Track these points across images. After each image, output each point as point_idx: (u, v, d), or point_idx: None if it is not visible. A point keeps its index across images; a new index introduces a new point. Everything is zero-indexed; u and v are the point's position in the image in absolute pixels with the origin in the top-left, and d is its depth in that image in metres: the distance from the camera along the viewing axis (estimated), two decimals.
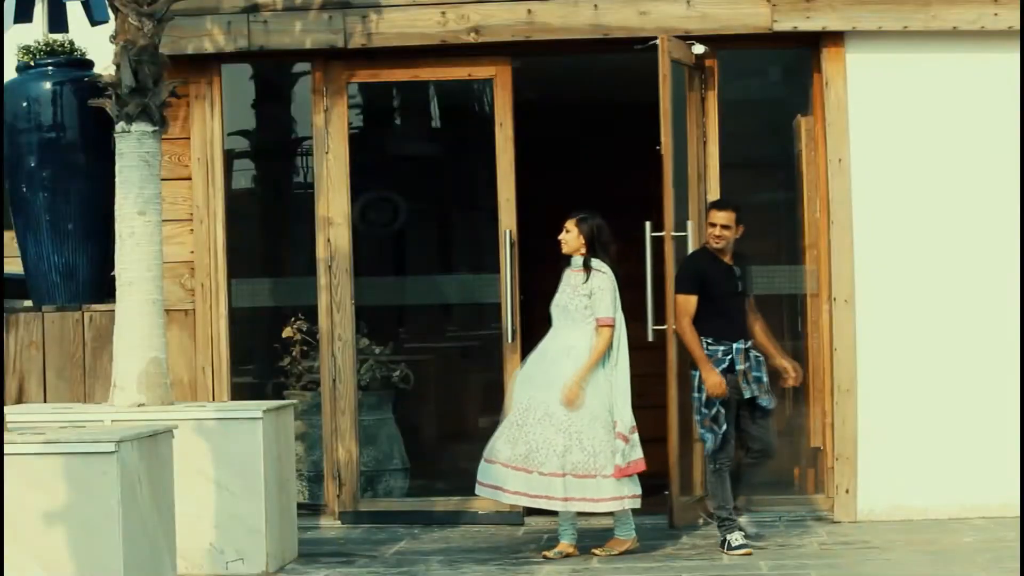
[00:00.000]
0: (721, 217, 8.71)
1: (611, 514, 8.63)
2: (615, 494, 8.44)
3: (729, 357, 8.66)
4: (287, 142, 11.56)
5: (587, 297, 8.59)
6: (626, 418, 8.51)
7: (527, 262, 9.76)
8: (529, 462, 8.47)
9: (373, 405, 10.33)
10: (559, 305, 8.66)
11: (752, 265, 8.97)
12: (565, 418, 8.46)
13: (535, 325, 9.09)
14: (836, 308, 9.54)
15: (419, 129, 12.20)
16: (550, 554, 8.54)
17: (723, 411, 8.61)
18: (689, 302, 8.71)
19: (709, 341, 8.66)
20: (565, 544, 8.58)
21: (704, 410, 8.66)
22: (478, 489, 8.70)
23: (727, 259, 8.77)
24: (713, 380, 8.59)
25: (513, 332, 9.72)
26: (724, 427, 8.60)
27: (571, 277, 8.66)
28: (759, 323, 8.94)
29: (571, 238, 8.67)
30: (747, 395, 8.64)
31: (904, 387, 9.50)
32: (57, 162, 9.88)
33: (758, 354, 8.79)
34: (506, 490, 8.58)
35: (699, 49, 9.58)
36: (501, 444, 8.58)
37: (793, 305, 10.21)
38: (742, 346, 8.70)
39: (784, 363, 8.94)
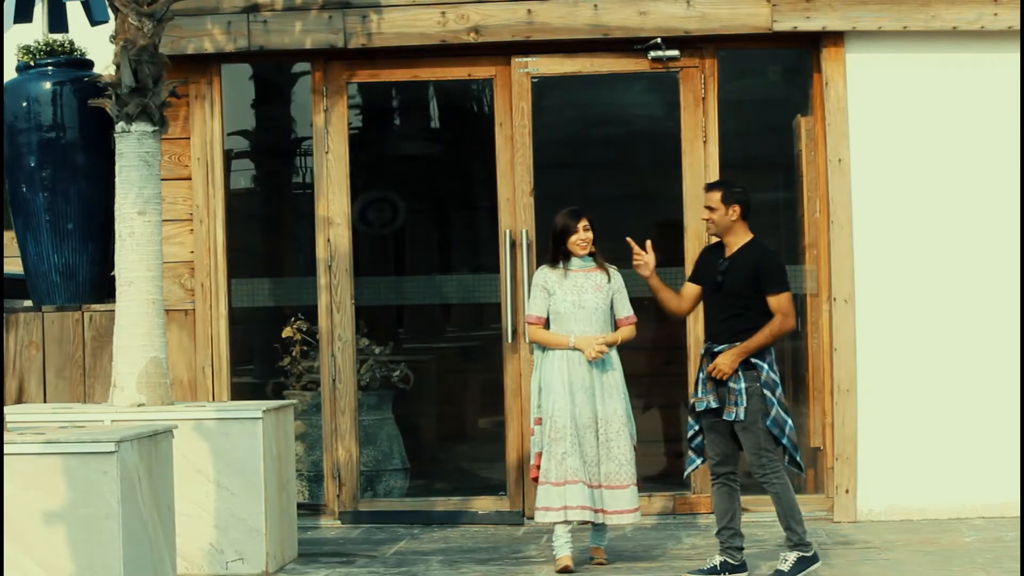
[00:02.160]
0: (706, 199, 8.10)
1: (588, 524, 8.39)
2: (635, 505, 8.32)
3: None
4: (287, 142, 11.56)
5: (611, 296, 8.38)
6: (635, 431, 8.43)
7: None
8: (591, 476, 8.22)
9: (373, 405, 10.34)
10: (586, 307, 8.35)
11: (770, 263, 7.91)
12: (600, 428, 8.27)
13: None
14: (836, 308, 9.54)
15: (419, 129, 12.20)
16: (572, 565, 8.20)
17: (691, 418, 8.06)
18: (684, 288, 8.19)
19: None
20: (569, 556, 8.24)
21: (689, 415, 8.12)
22: (544, 515, 8.24)
23: (728, 249, 8.00)
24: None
25: (513, 332, 9.72)
26: (690, 433, 8.04)
27: (588, 277, 8.35)
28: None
29: (590, 236, 8.41)
30: (700, 407, 7.91)
31: (904, 387, 9.51)
32: (57, 162, 9.89)
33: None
34: (572, 507, 8.19)
35: (656, 53, 9.60)
36: (573, 462, 8.17)
37: (793, 305, 10.21)
38: (702, 349, 8.08)
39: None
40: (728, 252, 7.96)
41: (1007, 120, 9.46)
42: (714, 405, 7.86)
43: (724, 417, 7.82)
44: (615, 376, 8.35)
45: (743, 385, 7.80)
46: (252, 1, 9.72)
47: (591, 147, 11.69)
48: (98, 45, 10.13)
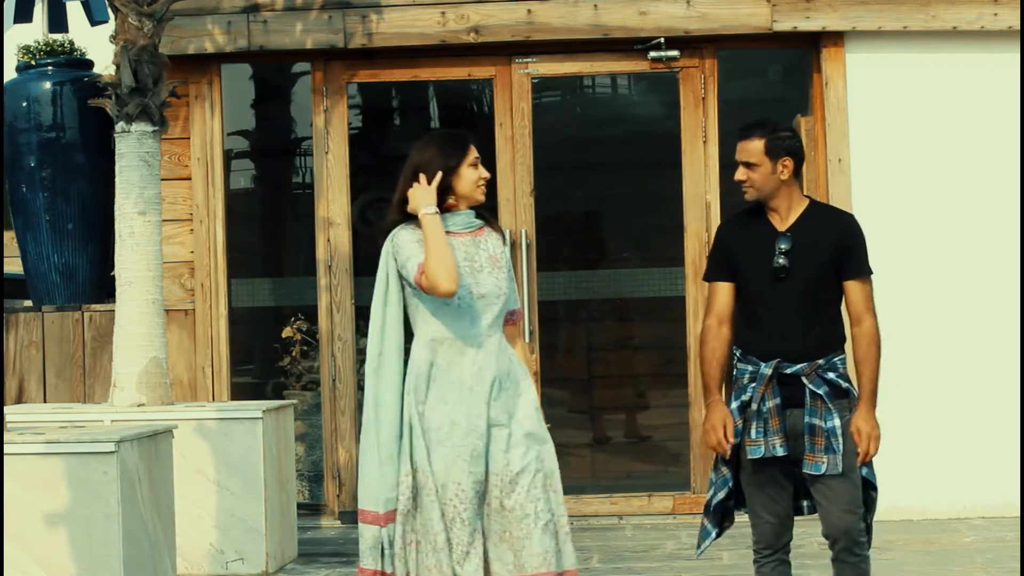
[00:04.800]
0: (740, 151, 5.64)
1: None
2: None
3: (755, 386, 5.58)
4: (287, 142, 11.56)
5: (509, 273, 5.55)
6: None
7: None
8: (523, 566, 5.40)
9: None
10: (487, 296, 5.43)
11: (859, 233, 5.65)
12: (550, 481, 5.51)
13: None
14: None
15: (419, 129, 12.20)
16: None
17: (725, 469, 5.70)
18: (712, 292, 5.70)
19: (738, 355, 5.69)
20: None
21: (720, 465, 5.72)
22: None
23: (781, 220, 5.63)
24: (709, 422, 5.62)
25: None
26: (721, 494, 5.72)
27: (478, 245, 5.52)
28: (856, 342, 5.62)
29: (487, 175, 5.60)
30: (756, 453, 5.53)
31: (904, 387, 9.50)
32: (57, 162, 9.89)
33: (820, 383, 5.57)
34: None
35: (656, 53, 9.59)
36: (473, 554, 5.33)
37: None
38: (767, 371, 5.53)
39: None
40: (783, 224, 5.61)
41: (1007, 120, 9.46)
42: (780, 452, 5.52)
43: (808, 470, 5.53)
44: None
45: (836, 422, 5.51)
46: (252, 1, 9.72)
47: (591, 147, 11.70)
48: (98, 45, 10.13)
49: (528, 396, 5.44)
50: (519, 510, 5.32)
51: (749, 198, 5.63)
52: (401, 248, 5.41)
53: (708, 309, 5.69)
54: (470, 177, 5.46)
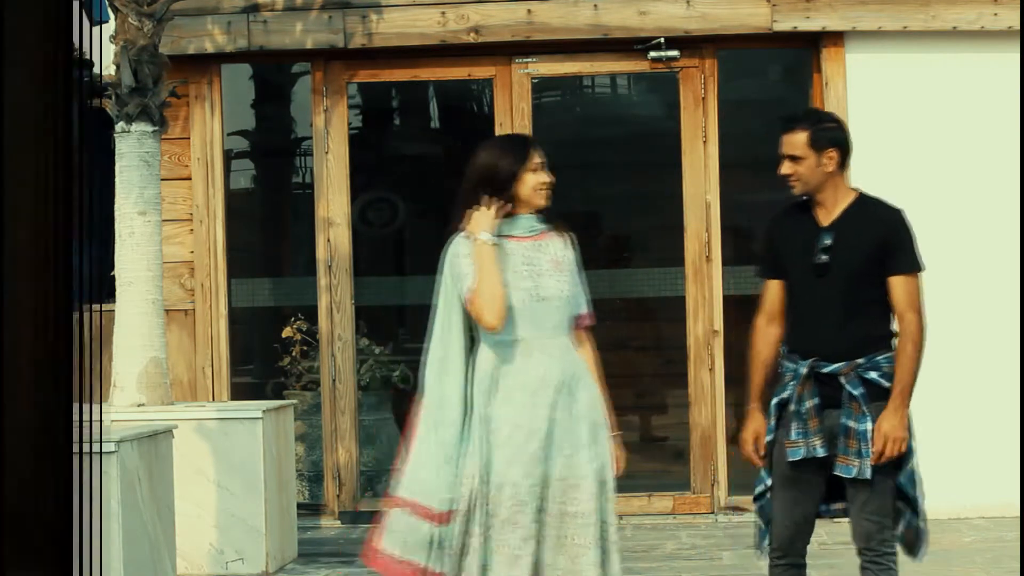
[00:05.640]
0: (785, 144, 5.48)
1: None
2: None
3: (794, 384, 5.44)
4: (287, 142, 11.56)
5: (574, 277, 5.53)
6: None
7: None
8: (578, 573, 5.32)
9: (373, 405, 10.34)
10: (548, 298, 5.41)
11: (904, 227, 5.44)
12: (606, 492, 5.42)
13: None
14: None
15: (419, 129, 12.20)
16: None
17: (764, 475, 5.59)
18: (763, 290, 5.62)
19: (783, 352, 5.57)
20: None
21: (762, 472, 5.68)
22: None
23: (826, 214, 5.47)
24: (743, 433, 5.59)
25: None
26: (760, 488, 5.62)
27: (540, 249, 5.47)
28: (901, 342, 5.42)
29: (551, 179, 5.52)
30: (795, 455, 5.37)
31: None
32: None
33: (858, 383, 5.38)
34: None
35: (656, 53, 9.59)
36: (522, 559, 5.26)
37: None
38: (803, 370, 5.40)
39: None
40: (827, 218, 5.44)
41: (1007, 120, 9.46)
42: (821, 453, 5.37)
43: (839, 472, 5.38)
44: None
45: (868, 425, 5.33)
46: (252, 1, 9.73)
47: (591, 147, 11.69)
48: (98, 45, 10.13)
49: (593, 402, 5.38)
50: (582, 518, 5.27)
51: (796, 192, 5.47)
52: (458, 262, 5.49)
53: (759, 307, 5.60)
54: (530, 182, 5.40)
